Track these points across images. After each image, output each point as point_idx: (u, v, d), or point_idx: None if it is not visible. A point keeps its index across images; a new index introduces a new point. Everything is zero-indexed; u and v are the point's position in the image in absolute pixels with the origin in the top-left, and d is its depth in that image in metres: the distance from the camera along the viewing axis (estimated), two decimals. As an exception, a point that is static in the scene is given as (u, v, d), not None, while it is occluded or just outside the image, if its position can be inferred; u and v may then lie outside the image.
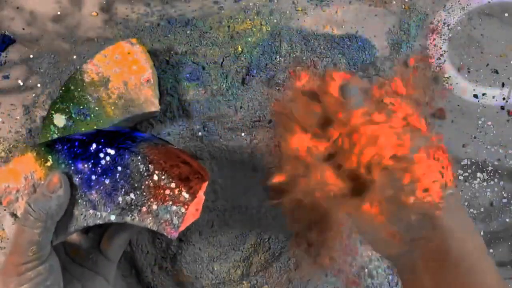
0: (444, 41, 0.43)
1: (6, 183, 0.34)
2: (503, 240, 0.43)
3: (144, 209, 0.32)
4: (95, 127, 0.38)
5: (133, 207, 0.32)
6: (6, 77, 0.43)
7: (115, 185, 0.33)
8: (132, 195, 0.32)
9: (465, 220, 0.31)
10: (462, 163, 0.43)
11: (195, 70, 0.42)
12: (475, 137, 0.43)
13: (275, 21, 0.42)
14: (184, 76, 0.42)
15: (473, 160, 0.43)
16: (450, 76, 0.43)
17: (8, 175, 0.34)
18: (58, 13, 0.42)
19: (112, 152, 0.33)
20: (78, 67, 0.40)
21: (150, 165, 0.33)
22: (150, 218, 0.32)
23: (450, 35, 0.43)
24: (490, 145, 0.43)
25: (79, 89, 0.39)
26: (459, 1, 0.43)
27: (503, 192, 0.43)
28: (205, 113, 0.42)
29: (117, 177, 0.33)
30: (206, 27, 0.42)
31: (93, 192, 0.33)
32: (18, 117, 0.43)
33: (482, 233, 0.43)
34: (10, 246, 0.31)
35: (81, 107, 0.38)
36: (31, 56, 0.42)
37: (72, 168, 0.33)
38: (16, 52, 0.43)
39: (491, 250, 0.43)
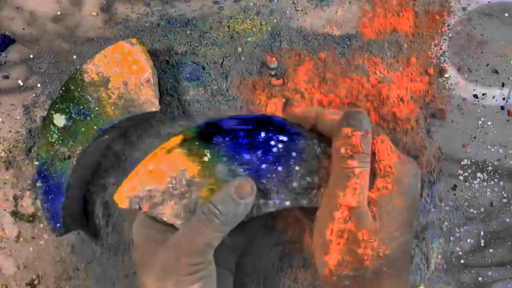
0: (444, 41, 0.43)
1: (148, 187, 0.31)
2: (503, 240, 0.43)
3: (322, 189, 0.31)
4: (95, 127, 0.38)
5: (309, 190, 0.32)
6: (6, 77, 0.43)
7: (289, 171, 0.31)
8: (308, 179, 0.31)
9: None
10: (462, 163, 0.43)
11: (195, 70, 0.42)
12: (475, 137, 0.43)
13: (275, 21, 0.42)
14: (184, 76, 0.42)
15: (473, 160, 0.43)
16: (450, 76, 0.43)
17: (149, 178, 0.31)
18: (58, 13, 0.42)
19: (285, 138, 0.31)
20: (78, 67, 0.40)
21: (325, 147, 0.32)
22: None
23: (450, 35, 0.43)
24: (490, 145, 0.43)
25: (79, 89, 0.39)
26: (459, 1, 0.43)
27: (503, 192, 0.43)
28: (205, 113, 0.42)
29: (292, 163, 0.31)
30: (206, 27, 0.42)
31: (264, 181, 0.31)
32: (18, 117, 0.43)
33: (482, 233, 0.43)
34: (179, 245, 0.30)
35: (81, 107, 0.38)
36: (31, 56, 0.42)
37: (237, 159, 0.31)
38: (16, 52, 0.43)
39: (491, 250, 0.43)
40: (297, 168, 0.32)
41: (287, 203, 0.32)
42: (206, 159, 0.31)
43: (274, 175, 0.31)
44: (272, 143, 0.31)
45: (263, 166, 0.31)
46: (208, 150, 0.31)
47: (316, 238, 0.30)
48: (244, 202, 0.30)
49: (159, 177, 0.31)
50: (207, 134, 0.32)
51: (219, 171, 0.31)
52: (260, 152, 0.31)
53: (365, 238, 0.29)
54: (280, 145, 0.31)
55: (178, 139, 0.32)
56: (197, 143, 0.31)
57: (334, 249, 0.29)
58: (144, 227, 0.33)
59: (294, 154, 0.31)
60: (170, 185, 0.31)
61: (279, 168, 0.31)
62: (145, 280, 0.31)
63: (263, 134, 0.31)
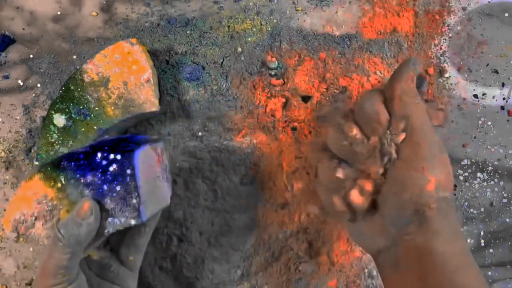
0: (444, 41, 0.43)
1: (21, 211, 0.34)
2: (503, 240, 0.43)
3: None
4: (95, 127, 0.38)
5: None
6: (6, 77, 0.43)
7: (127, 189, 0.33)
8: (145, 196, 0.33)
9: (453, 225, 0.31)
10: (462, 163, 0.43)
11: (195, 70, 0.42)
12: (475, 137, 0.43)
13: (275, 21, 0.42)
14: (184, 76, 0.42)
15: (473, 160, 0.43)
16: (450, 76, 0.43)
17: (20, 203, 0.34)
18: (58, 13, 0.42)
19: (118, 157, 0.33)
20: (78, 67, 0.40)
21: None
22: None
23: (450, 35, 0.43)
24: (490, 145, 0.43)
25: (79, 89, 0.39)
26: (459, 1, 0.43)
27: (503, 192, 0.43)
28: (205, 113, 0.42)
29: (128, 180, 0.33)
30: (206, 27, 0.42)
31: (107, 200, 0.33)
32: (18, 117, 0.43)
33: (482, 233, 0.43)
34: (39, 268, 0.32)
35: (81, 107, 0.38)
36: (31, 56, 0.42)
37: (82, 181, 0.33)
38: (16, 52, 0.43)
39: (491, 250, 0.43)
40: (133, 185, 0.33)
41: (132, 221, 0.33)
42: (59, 184, 0.33)
43: (114, 194, 0.33)
44: (105, 162, 0.33)
45: (105, 186, 0.33)
46: (58, 175, 0.33)
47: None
48: (86, 222, 0.31)
49: (27, 202, 0.34)
50: (57, 159, 0.34)
51: (70, 193, 0.33)
52: (99, 172, 0.33)
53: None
54: (115, 165, 0.33)
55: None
56: (49, 168, 0.34)
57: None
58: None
59: (129, 171, 0.33)
60: (37, 209, 0.34)
61: (117, 188, 0.33)
62: None
63: (99, 155, 0.33)
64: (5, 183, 0.43)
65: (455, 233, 0.30)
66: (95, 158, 0.33)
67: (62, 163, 0.33)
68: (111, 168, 0.33)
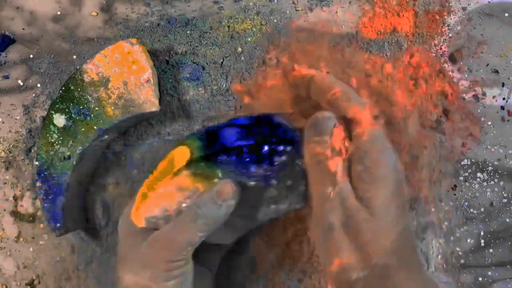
0: (444, 41, 0.43)
1: (161, 207, 0.32)
2: (503, 240, 0.43)
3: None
4: (95, 127, 0.38)
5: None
6: (6, 77, 0.43)
7: (295, 177, 0.32)
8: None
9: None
10: (462, 163, 0.43)
11: (195, 70, 0.42)
12: (474, 137, 0.43)
13: (275, 21, 0.42)
14: (184, 76, 0.42)
15: (473, 160, 0.43)
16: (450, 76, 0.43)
17: (161, 199, 0.32)
18: (58, 13, 0.42)
19: (289, 148, 0.32)
20: (78, 67, 0.40)
21: None
22: None
23: (450, 35, 0.43)
24: (490, 145, 0.43)
25: (79, 89, 0.39)
26: (459, 1, 0.43)
27: (503, 192, 0.43)
28: (205, 113, 0.42)
29: (297, 170, 0.32)
30: (206, 27, 0.42)
31: (272, 189, 0.32)
32: (18, 117, 0.43)
33: (482, 233, 0.43)
34: (163, 241, 0.30)
35: (81, 107, 0.38)
36: (31, 56, 0.42)
37: (245, 173, 0.32)
38: (16, 52, 0.43)
39: (491, 250, 0.43)
40: (302, 173, 0.32)
41: (298, 205, 0.33)
42: (216, 180, 0.32)
43: (280, 183, 0.32)
44: (278, 154, 0.32)
45: (271, 175, 0.32)
46: (216, 170, 0.32)
47: (317, 245, 0.31)
48: (225, 204, 0.31)
49: (170, 197, 0.32)
50: (210, 154, 0.32)
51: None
52: (265, 164, 0.32)
53: (365, 238, 0.29)
54: (284, 157, 0.32)
55: (183, 158, 0.32)
56: (202, 164, 0.32)
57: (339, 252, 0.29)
58: (129, 222, 0.33)
59: (297, 161, 0.32)
60: (183, 204, 0.32)
61: (285, 177, 0.32)
62: (122, 273, 0.31)
63: (266, 148, 0.32)
64: (5, 183, 0.43)
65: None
66: (262, 151, 0.31)
67: (219, 157, 0.31)
68: (279, 159, 0.31)
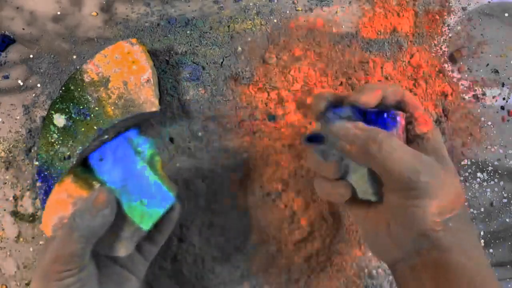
0: (444, 41, 0.43)
1: (58, 215, 0.33)
2: (503, 240, 0.43)
3: None
4: (95, 127, 0.38)
5: None
6: (6, 77, 0.43)
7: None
8: None
9: (466, 239, 0.30)
10: (462, 163, 0.43)
11: (195, 70, 0.42)
12: (475, 137, 0.43)
13: (275, 21, 0.42)
14: (184, 76, 0.42)
15: (473, 160, 0.43)
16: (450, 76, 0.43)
17: (57, 207, 0.33)
18: (58, 13, 0.42)
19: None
20: (78, 67, 0.40)
21: None
22: None
23: (450, 35, 0.43)
24: (490, 145, 0.43)
25: (79, 89, 0.39)
26: (459, 1, 0.43)
27: (503, 192, 0.43)
28: (205, 113, 0.42)
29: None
30: (206, 27, 0.42)
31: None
32: (18, 117, 0.43)
33: (482, 233, 0.43)
34: (50, 253, 0.31)
35: (81, 107, 0.38)
36: (31, 56, 0.42)
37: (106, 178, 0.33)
38: (16, 52, 0.43)
39: (491, 250, 0.43)
40: None
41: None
42: (96, 184, 0.33)
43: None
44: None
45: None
46: (92, 174, 0.33)
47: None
48: (102, 213, 0.31)
49: (63, 205, 0.33)
50: (83, 160, 0.34)
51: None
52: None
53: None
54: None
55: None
56: (79, 169, 0.33)
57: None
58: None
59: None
60: (71, 210, 0.33)
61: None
62: (32, 281, 0.33)
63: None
64: (5, 183, 0.43)
65: (471, 246, 0.30)
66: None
67: (89, 161, 0.33)
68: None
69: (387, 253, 0.33)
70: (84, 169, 0.33)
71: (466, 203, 0.43)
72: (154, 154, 0.34)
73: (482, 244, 0.43)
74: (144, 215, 0.33)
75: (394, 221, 0.31)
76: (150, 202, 0.33)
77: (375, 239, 0.33)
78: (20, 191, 0.43)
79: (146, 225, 0.33)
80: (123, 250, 0.33)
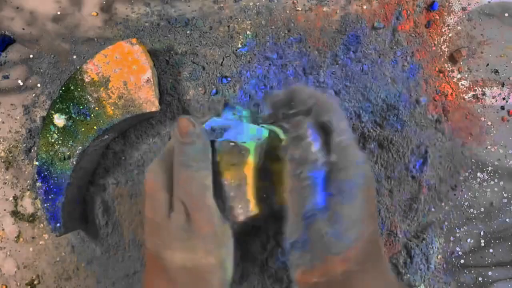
0: (444, 41, 0.43)
1: None
2: (503, 240, 0.43)
3: None
4: (95, 127, 0.38)
5: None
6: (6, 77, 0.43)
7: None
8: None
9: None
10: (462, 163, 0.43)
11: (195, 70, 0.42)
12: (475, 137, 0.43)
13: (275, 20, 0.42)
14: (184, 76, 0.42)
15: (473, 160, 0.43)
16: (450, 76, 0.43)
17: None
18: (58, 13, 0.42)
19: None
20: (78, 67, 0.40)
21: None
22: None
23: (450, 35, 0.43)
24: (490, 145, 0.43)
25: (79, 89, 0.39)
26: (459, 1, 0.43)
27: (503, 192, 0.43)
28: (205, 113, 0.42)
29: None
30: (206, 27, 0.42)
31: None
32: (18, 117, 0.43)
33: (482, 233, 0.43)
34: (191, 199, 0.29)
35: (81, 107, 0.38)
36: (31, 56, 0.42)
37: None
38: (16, 52, 0.43)
39: (491, 250, 0.43)
40: None
41: None
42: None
43: None
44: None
45: None
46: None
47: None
48: (191, 139, 0.29)
49: None
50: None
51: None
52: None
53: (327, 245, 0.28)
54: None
55: None
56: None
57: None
58: (161, 185, 0.31)
59: None
60: None
61: None
62: (168, 255, 0.30)
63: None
64: (5, 183, 0.43)
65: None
66: None
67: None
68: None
69: None
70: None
71: (466, 203, 0.43)
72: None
73: (482, 244, 0.43)
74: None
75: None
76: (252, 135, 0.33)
77: None
78: (20, 191, 0.43)
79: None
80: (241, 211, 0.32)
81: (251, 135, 0.33)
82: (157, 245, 0.30)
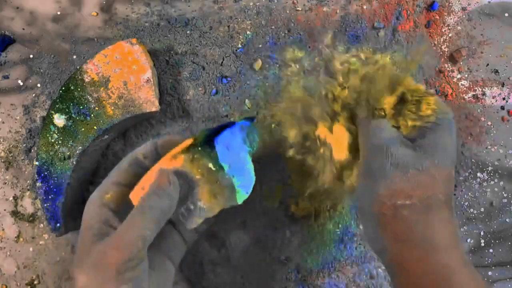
0: (444, 41, 0.43)
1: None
2: (503, 240, 0.43)
3: None
4: (95, 127, 0.38)
5: None
6: (6, 77, 0.43)
7: None
8: None
9: (430, 232, 0.30)
10: (462, 163, 0.43)
11: (195, 70, 0.42)
12: (475, 137, 0.43)
13: (275, 20, 0.42)
14: (184, 76, 0.42)
15: (473, 160, 0.43)
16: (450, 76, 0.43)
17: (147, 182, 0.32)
18: (58, 13, 0.42)
19: None
20: (78, 67, 0.40)
21: None
22: None
23: (450, 35, 0.43)
24: (490, 145, 0.43)
25: (79, 89, 0.39)
26: (459, 1, 0.43)
27: (503, 192, 0.43)
28: (205, 113, 0.42)
29: None
30: (206, 27, 0.42)
31: None
32: (18, 117, 0.43)
33: (482, 233, 0.43)
34: (116, 238, 0.29)
35: (81, 107, 0.38)
36: (31, 56, 0.42)
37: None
38: (16, 52, 0.43)
39: (491, 250, 0.43)
40: None
41: None
42: (210, 165, 0.33)
43: None
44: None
45: None
46: (211, 155, 0.33)
47: (363, 174, 0.32)
48: (166, 193, 0.30)
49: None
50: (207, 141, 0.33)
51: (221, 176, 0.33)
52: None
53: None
54: None
55: (185, 144, 0.33)
56: (199, 148, 0.33)
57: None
58: (96, 212, 0.32)
59: None
60: None
61: None
62: (77, 274, 0.30)
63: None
64: (5, 183, 0.43)
65: (435, 241, 0.29)
66: None
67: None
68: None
69: (372, 242, 0.32)
70: (203, 148, 0.33)
71: (466, 203, 0.43)
72: (257, 144, 0.35)
73: (482, 244, 0.43)
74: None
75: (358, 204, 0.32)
76: (241, 185, 0.33)
77: (365, 226, 0.34)
78: (20, 191, 0.43)
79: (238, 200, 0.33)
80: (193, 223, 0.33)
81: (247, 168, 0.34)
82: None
